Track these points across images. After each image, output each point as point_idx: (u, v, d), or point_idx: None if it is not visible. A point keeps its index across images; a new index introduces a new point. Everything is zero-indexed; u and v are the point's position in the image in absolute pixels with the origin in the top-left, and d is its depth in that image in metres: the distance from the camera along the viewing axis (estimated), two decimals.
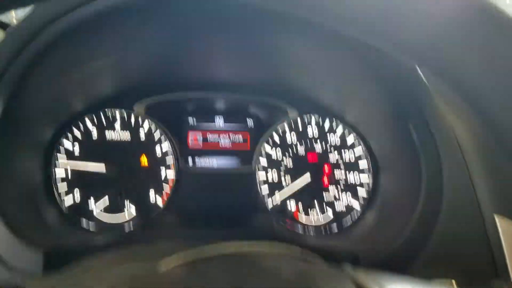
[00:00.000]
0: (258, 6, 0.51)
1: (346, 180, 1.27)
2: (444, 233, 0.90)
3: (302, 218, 1.25)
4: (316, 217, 1.25)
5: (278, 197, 1.25)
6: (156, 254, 0.58)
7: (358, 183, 1.27)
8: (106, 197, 1.15)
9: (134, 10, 0.79)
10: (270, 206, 1.25)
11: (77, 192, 1.13)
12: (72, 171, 1.13)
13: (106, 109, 1.18)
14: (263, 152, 1.27)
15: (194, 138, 1.26)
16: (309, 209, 1.26)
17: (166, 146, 1.21)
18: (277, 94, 1.27)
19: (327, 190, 1.27)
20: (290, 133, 1.28)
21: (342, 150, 1.28)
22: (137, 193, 1.18)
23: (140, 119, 1.20)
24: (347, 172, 1.28)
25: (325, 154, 1.28)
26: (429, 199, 0.92)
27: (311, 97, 1.27)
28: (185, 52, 1.07)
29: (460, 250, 0.90)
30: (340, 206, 1.26)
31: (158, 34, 0.96)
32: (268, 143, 1.27)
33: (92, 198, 1.14)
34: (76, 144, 1.14)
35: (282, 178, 1.26)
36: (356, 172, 1.27)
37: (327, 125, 1.29)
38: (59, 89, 0.99)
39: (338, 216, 1.26)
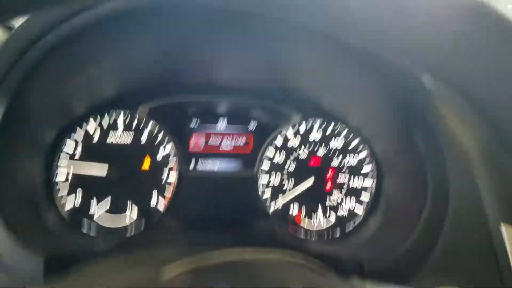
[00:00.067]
0: (266, 15, 0.50)
1: (349, 184, 1.27)
2: (450, 240, 0.89)
3: (304, 222, 1.24)
4: (318, 222, 1.24)
5: (280, 201, 1.24)
6: (158, 260, 0.57)
7: (361, 187, 1.26)
8: (107, 201, 1.14)
9: (139, 14, 0.78)
10: (271, 210, 1.24)
11: (78, 195, 1.12)
12: (74, 174, 1.12)
13: (109, 111, 1.17)
14: (266, 156, 1.26)
15: (196, 141, 1.25)
16: (311, 213, 1.25)
17: (168, 149, 1.21)
18: (280, 98, 1.26)
19: (330, 194, 1.26)
20: (294, 136, 1.28)
21: (346, 154, 1.28)
22: (138, 197, 1.17)
23: (143, 121, 1.20)
24: (350, 176, 1.27)
25: (328, 158, 1.27)
26: (435, 205, 0.91)
27: (315, 101, 1.26)
28: (189, 55, 1.07)
29: (466, 258, 0.89)
30: (343, 211, 1.25)
31: (162, 38, 0.95)
32: (271, 146, 1.27)
33: (92, 202, 1.13)
34: (79, 146, 1.13)
35: (285, 182, 1.26)
36: (359, 177, 1.26)
37: (330, 129, 1.29)
38: (62, 91, 0.98)
39: (340, 221, 1.25)
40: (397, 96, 1.00)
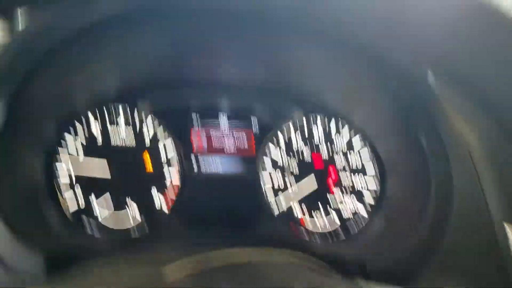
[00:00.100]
0: (269, 16, 0.50)
1: (352, 183, 1.26)
2: (453, 241, 0.88)
3: (308, 223, 1.24)
4: (322, 222, 1.24)
5: (283, 200, 1.24)
6: (161, 261, 0.57)
7: (364, 187, 1.26)
8: (110, 202, 1.14)
9: (140, 14, 0.78)
10: (275, 211, 1.24)
11: (80, 196, 1.12)
12: (76, 175, 1.12)
13: (109, 108, 1.18)
14: (267, 152, 1.26)
15: (199, 141, 1.26)
16: (314, 213, 1.25)
17: (171, 149, 1.21)
18: (282, 94, 1.26)
19: (332, 193, 1.26)
20: (295, 133, 1.28)
21: (348, 152, 1.28)
22: (142, 198, 1.17)
23: (143, 117, 1.20)
24: (353, 175, 1.27)
25: (330, 156, 1.28)
26: (438, 206, 0.91)
27: (317, 99, 1.26)
28: (190, 53, 1.07)
29: (470, 258, 0.88)
30: (346, 211, 1.25)
31: (164, 37, 0.95)
32: (272, 142, 1.27)
33: (96, 203, 1.13)
34: (79, 142, 1.14)
35: (286, 179, 1.26)
36: (362, 175, 1.26)
37: (333, 125, 1.28)
38: (62, 91, 0.98)
39: (344, 221, 1.24)
40: (401, 95, 1.00)
